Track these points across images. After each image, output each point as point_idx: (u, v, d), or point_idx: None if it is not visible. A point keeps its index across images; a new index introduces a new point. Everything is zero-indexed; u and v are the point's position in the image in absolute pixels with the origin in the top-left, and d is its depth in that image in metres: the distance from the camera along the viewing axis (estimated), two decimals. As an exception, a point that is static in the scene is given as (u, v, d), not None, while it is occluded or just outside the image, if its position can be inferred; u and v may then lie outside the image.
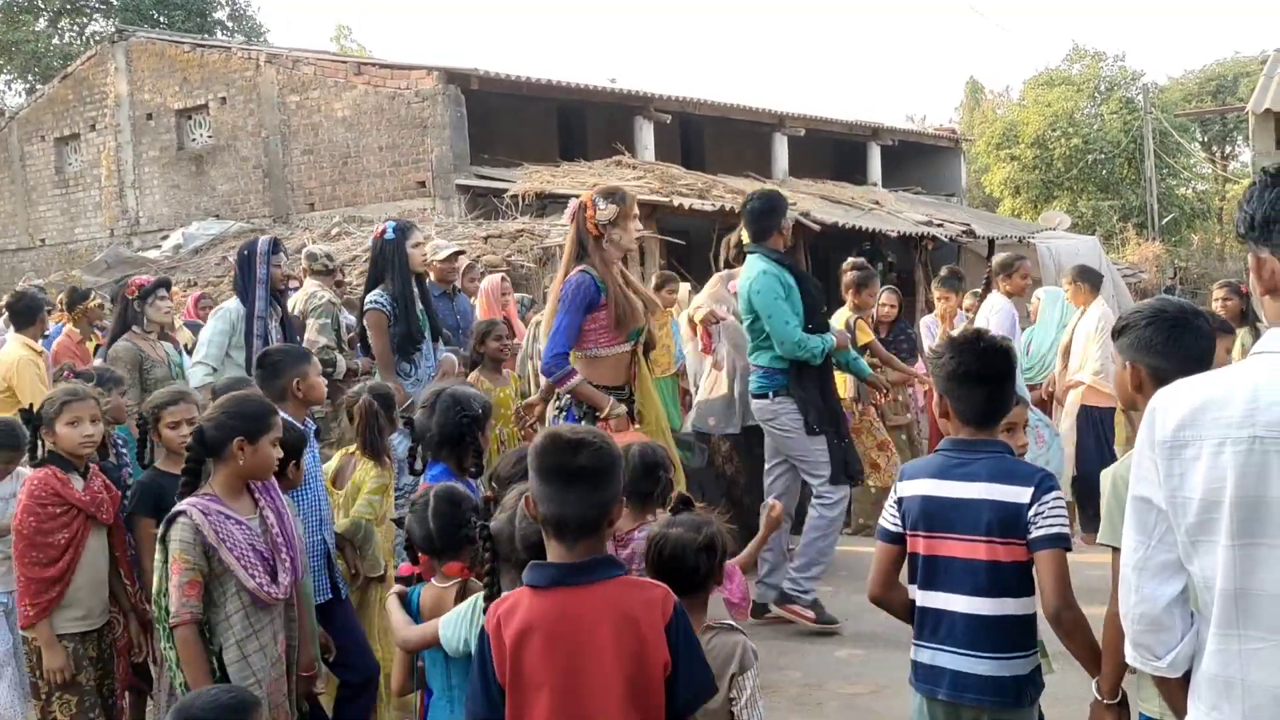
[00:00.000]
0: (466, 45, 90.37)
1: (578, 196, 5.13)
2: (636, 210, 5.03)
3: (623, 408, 4.72)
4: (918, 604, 2.99)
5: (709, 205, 13.89)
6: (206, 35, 24.42)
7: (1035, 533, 2.78)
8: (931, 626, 2.95)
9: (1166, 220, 31.41)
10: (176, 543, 3.14)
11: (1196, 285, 24.48)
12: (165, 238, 16.58)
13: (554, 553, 2.39)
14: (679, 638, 2.34)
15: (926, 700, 2.98)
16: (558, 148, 17.35)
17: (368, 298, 5.88)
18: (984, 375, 2.95)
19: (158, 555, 3.22)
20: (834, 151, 21.98)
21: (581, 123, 18.01)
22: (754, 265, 5.49)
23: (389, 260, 5.88)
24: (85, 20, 29.25)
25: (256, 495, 3.37)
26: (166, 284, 6.46)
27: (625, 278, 5.01)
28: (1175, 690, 1.98)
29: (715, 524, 2.98)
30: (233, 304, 6.18)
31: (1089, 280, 7.34)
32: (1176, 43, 72.20)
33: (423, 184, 14.91)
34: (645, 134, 16.99)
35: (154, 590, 3.27)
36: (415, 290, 5.92)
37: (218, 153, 17.36)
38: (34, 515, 3.82)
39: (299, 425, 3.95)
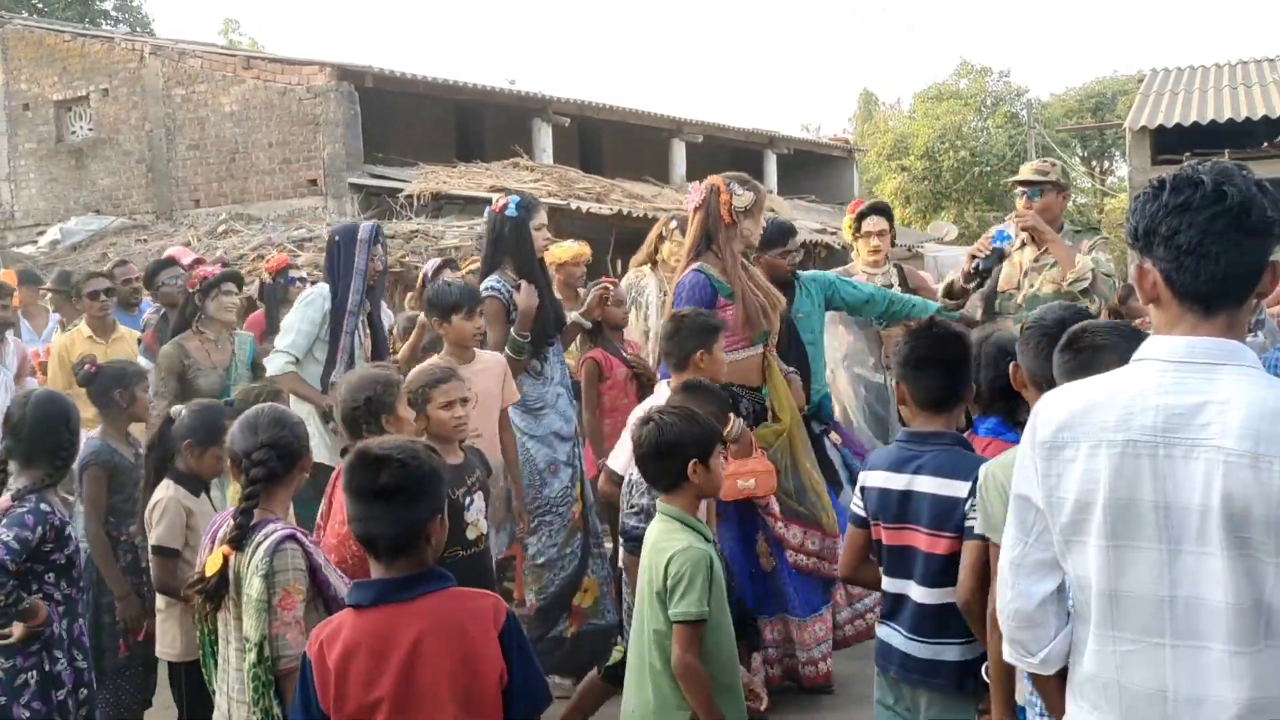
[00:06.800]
0: (363, 44, 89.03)
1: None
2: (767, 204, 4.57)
3: (741, 425, 4.10)
4: (883, 588, 3.12)
5: (607, 209, 13.90)
6: (89, 24, 23.56)
7: (966, 524, 2.86)
8: (890, 609, 3.09)
9: (1048, 232, 32.39)
10: (291, 572, 2.77)
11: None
12: (42, 233, 15.93)
13: (375, 570, 2.35)
14: (513, 646, 2.30)
15: (881, 675, 3.12)
16: (455, 148, 17.17)
17: (484, 283, 5.02)
18: (936, 360, 3.04)
19: (255, 590, 2.74)
20: (731, 158, 22.15)
21: (479, 124, 17.85)
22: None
23: (510, 242, 5.05)
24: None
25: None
26: (235, 277, 5.85)
27: (750, 272, 4.55)
28: (1050, 688, 2.01)
29: None
30: (323, 289, 5.30)
31: None
32: (1058, 61, 74.86)
33: (314, 182, 14.60)
34: (544, 136, 16.93)
35: (251, 635, 2.74)
36: (545, 277, 5.18)
37: (99, 146, 16.76)
38: None
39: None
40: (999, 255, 5.28)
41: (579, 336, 5.71)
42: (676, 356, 4.02)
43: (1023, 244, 5.21)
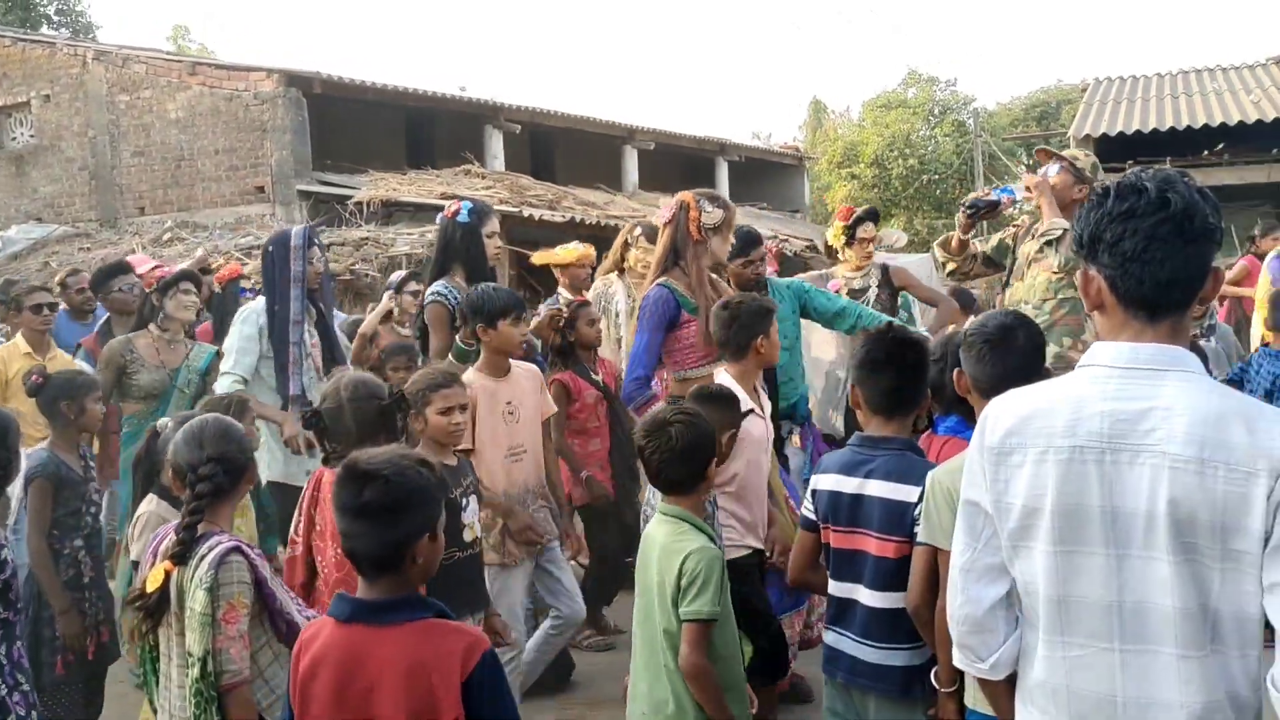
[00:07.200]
0: (314, 52, 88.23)
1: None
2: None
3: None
4: (830, 592, 3.12)
5: (559, 216, 13.86)
6: (30, 29, 23.14)
7: (915, 529, 2.87)
8: (836, 613, 3.09)
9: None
10: (236, 585, 2.72)
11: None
12: (-19, 241, 15.62)
13: (360, 586, 2.30)
14: (482, 693, 2.19)
15: (829, 682, 3.12)
16: (405, 155, 17.06)
17: (430, 289, 5.01)
18: (890, 364, 3.05)
19: (199, 604, 2.70)
20: (683, 166, 22.23)
21: (430, 131, 17.74)
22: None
23: (461, 248, 5.02)
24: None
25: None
26: (191, 276, 5.70)
27: (715, 289, 4.56)
28: (1000, 693, 2.02)
29: None
30: (256, 305, 5.28)
31: None
32: (1004, 70, 75.87)
33: (261, 189, 14.43)
34: (495, 143, 16.86)
35: (195, 650, 2.70)
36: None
37: (40, 153, 16.45)
38: None
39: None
40: (991, 205, 5.36)
41: (550, 358, 5.64)
42: (736, 344, 3.98)
43: (1031, 235, 5.29)
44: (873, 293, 6.17)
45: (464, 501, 3.71)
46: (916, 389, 3.11)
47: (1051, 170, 5.27)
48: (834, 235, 6.37)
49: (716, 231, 4.49)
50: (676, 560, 3.00)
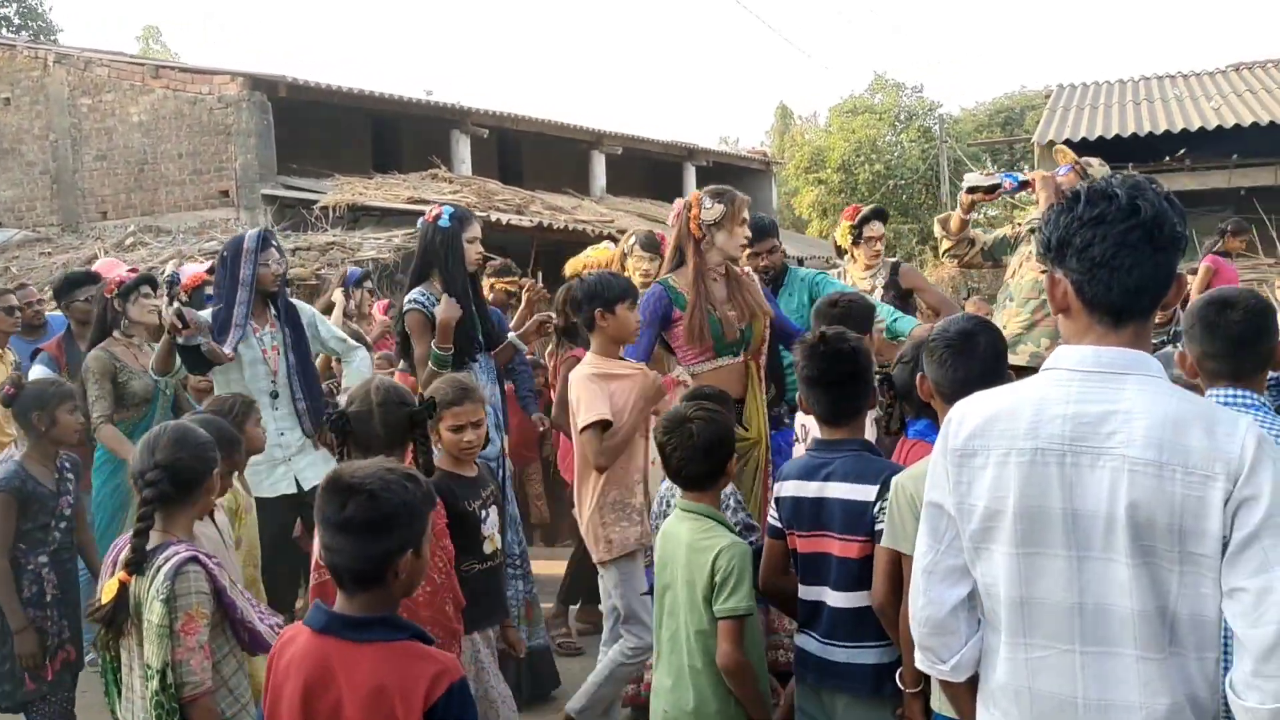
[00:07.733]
0: (283, 57, 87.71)
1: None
2: (746, 215, 4.54)
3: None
4: (799, 596, 3.13)
5: (527, 221, 13.82)
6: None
7: (876, 528, 2.88)
8: (806, 617, 3.11)
9: (961, 243, 32.96)
10: (193, 596, 2.68)
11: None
12: (-62, 246, 15.37)
13: (338, 599, 2.26)
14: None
15: (800, 684, 3.14)
16: (371, 160, 16.96)
17: (408, 296, 4.94)
18: (825, 380, 3.09)
19: (156, 616, 2.66)
20: (651, 171, 22.25)
21: (396, 135, 17.65)
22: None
23: (439, 253, 4.91)
24: None
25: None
26: (151, 280, 5.65)
27: (735, 281, 4.52)
28: (961, 695, 2.02)
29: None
30: (206, 315, 5.26)
31: None
32: (970, 76, 76.56)
33: (226, 193, 14.30)
34: (462, 148, 16.79)
35: (153, 662, 2.67)
36: (470, 292, 4.98)
37: (0, 156, 16.22)
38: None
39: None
40: (991, 186, 5.44)
41: (555, 338, 5.63)
42: None
43: (1025, 233, 5.39)
44: (878, 294, 6.19)
45: (484, 513, 3.64)
46: (857, 396, 3.14)
47: (1062, 170, 5.38)
48: (841, 235, 6.39)
49: (719, 226, 4.44)
50: (708, 558, 3.01)
